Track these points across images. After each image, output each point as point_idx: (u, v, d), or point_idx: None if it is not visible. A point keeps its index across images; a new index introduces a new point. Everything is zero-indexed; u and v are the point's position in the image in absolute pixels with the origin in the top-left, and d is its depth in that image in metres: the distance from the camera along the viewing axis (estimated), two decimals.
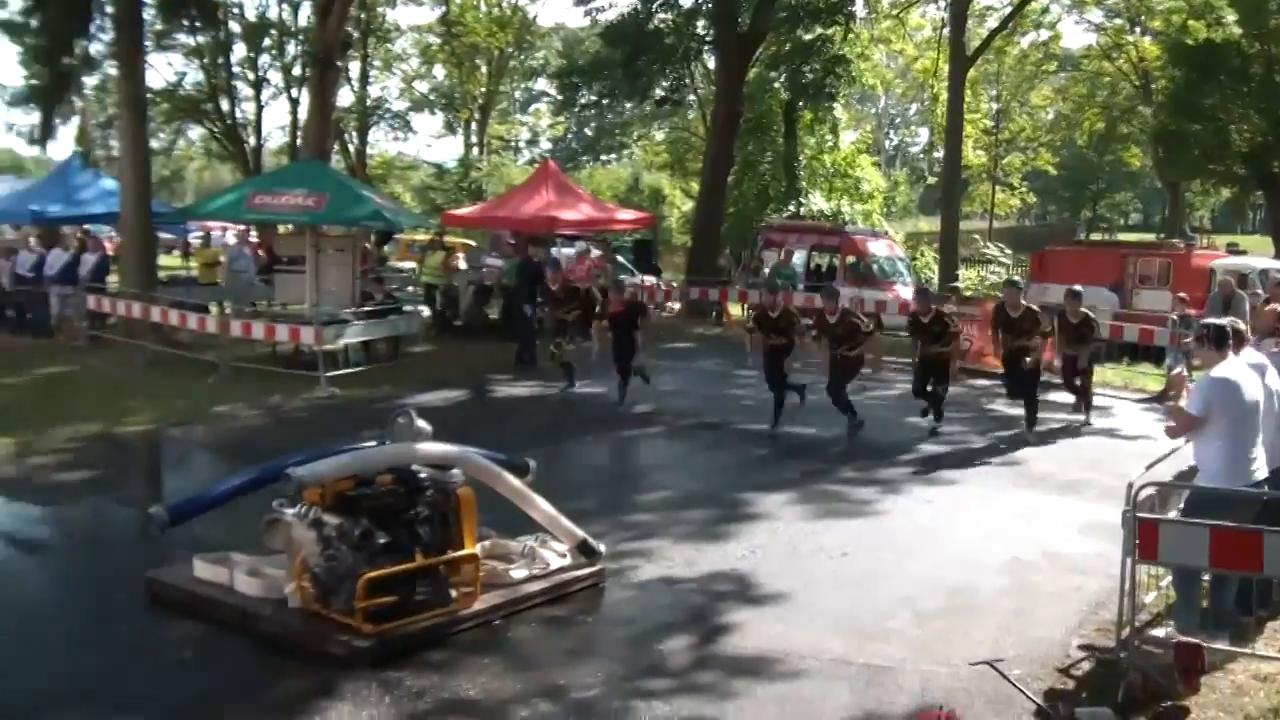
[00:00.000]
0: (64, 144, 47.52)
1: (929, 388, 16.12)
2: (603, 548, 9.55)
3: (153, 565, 9.38)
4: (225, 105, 47.63)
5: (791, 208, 42.27)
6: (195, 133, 54.50)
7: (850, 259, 29.82)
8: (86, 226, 28.07)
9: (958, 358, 16.72)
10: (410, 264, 33.43)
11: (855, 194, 46.12)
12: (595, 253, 27.92)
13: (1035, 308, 16.90)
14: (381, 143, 61.05)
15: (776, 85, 42.46)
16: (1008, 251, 45.68)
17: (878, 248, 30.89)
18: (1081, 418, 17.14)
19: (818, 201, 43.68)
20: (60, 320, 24.25)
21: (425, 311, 25.53)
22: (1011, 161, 60.43)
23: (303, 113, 38.07)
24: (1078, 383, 17.33)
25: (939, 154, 46.63)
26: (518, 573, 9.17)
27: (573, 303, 18.63)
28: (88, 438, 14.91)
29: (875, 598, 9.39)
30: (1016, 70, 56.80)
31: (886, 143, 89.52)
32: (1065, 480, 13.57)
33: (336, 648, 7.94)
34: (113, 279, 25.03)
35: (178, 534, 8.97)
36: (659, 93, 39.57)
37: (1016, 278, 26.67)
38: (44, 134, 37.59)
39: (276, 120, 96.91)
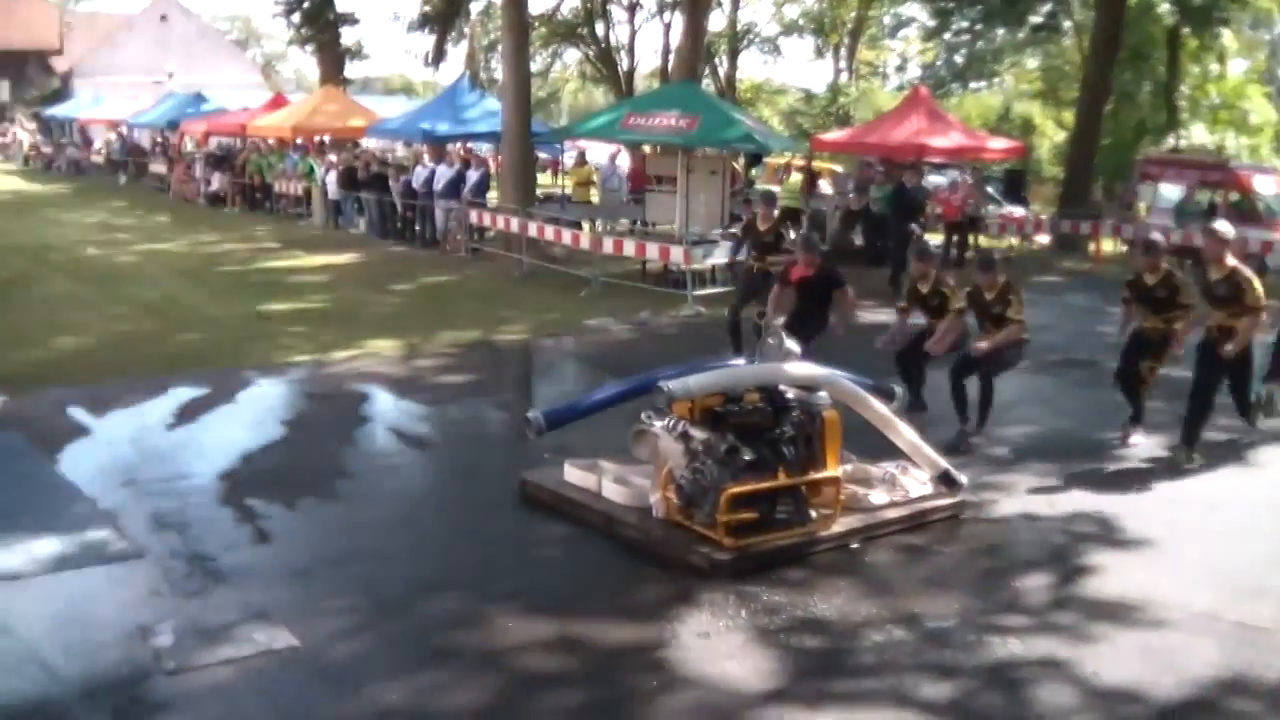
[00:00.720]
0: (452, 67, 49.80)
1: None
2: (964, 479, 9.38)
3: (524, 466, 9.88)
4: (600, 29, 48.72)
5: (1170, 140, 40.02)
6: (571, 56, 56.02)
7: (1234, 196, 28.00)
8: (470, 144, 29.43)
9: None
10: (776, 188, 33.51)
11: (1242, 127, 43.15)
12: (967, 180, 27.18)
13: None
14: (751, 67, 61.23)
15: (1160, 10, 40.09)
16: None
17: (1265, 184, 28.86)
18: None
19: (1199, 134, 41.16)
20: (445, 233, 25.57)
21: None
22: None
23: (675, 36, 38.43)
24: None
25: None
26: (877, 498, 9.17)
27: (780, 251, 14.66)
28: (467, 344, 15.81)
29: (1250, 552, 8.86)
30: None
31: None
32: None
33: (697, 558, 8.16)
34: (492, 195, 26.20)
35: (548, 438, 9.37)
36: (1035, 19, 38.00)
37: None
38: (436, 57, 39.64)
39: (649, 44, 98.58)
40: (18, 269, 21.93)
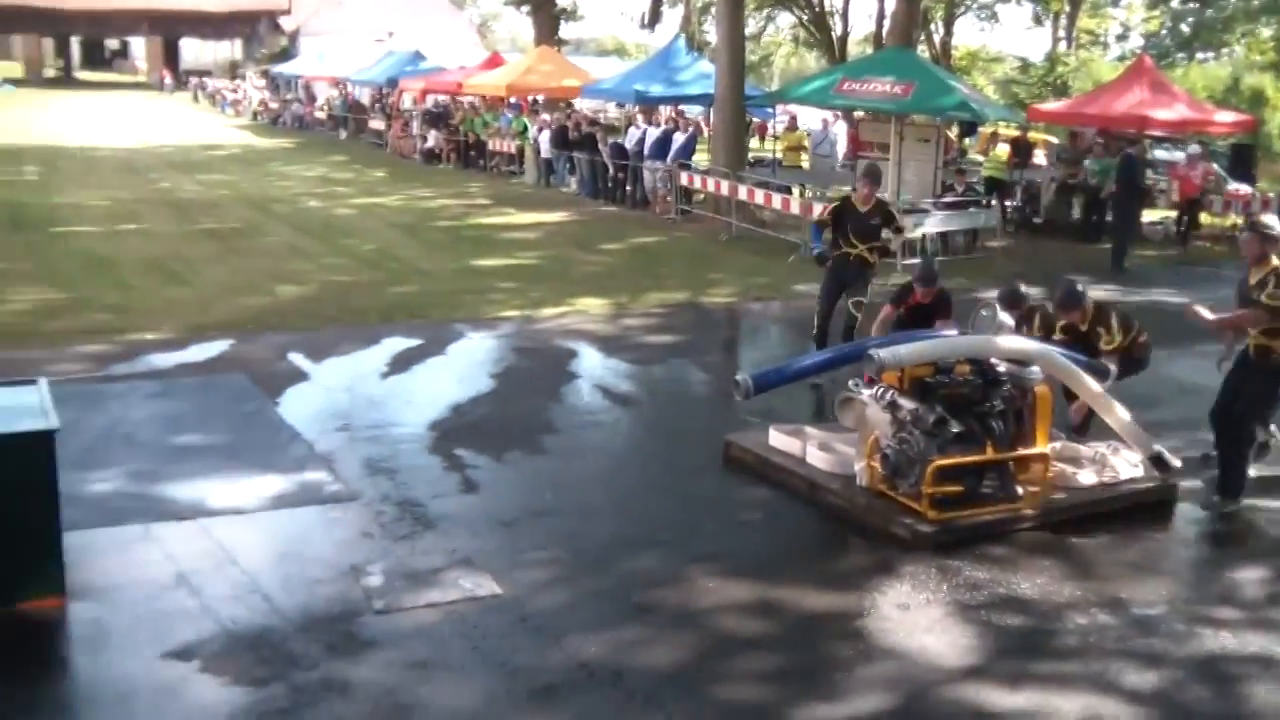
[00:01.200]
0: (666, 29, 49.91)
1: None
2: (1178, 463, 9.05)
3: (728, 429, 9.92)
4: None
5: None
6: (784, 19, 55.61)
7: None
8: (682, 107, 29.48)
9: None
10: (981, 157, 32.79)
11: None
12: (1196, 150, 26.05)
13: None
14: (966, 33, 59.91)
15: None
16: None
17: None
18: None
19: None
20: (654, 194, 25.72)
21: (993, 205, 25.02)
22: None
23: (890, 2, 37.86)
24: None
25: None
26: (1086, 478, 8.95)
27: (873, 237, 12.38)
28: (674, 305, 15.92)
29: None
30: None
31: None
32: None
33: (899, 529, 8.11)
34: (701, 157, 26.24)
35: (752, 401, 9.39)
36: None
37: None
38: (652, 19, 39.70)
39: (863, 9, 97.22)
40: (244, 219, 22.85)
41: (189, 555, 7.51)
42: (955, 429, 8.21)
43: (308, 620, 6.72)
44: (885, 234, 12.40)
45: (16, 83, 75.99)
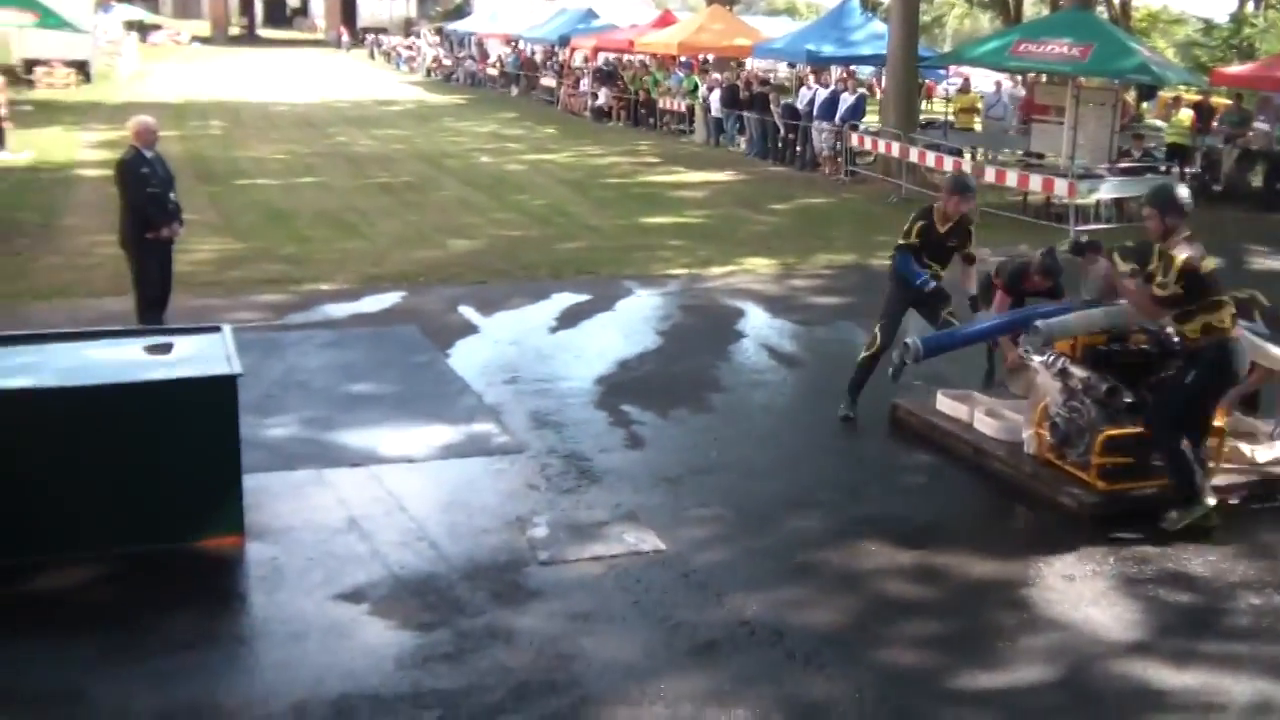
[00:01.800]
0: None
1: None
2: None
3: (892, 391, 9.83)
4: None
5: None
6: None
7: None
8: (852, 67, 29.13)
9: None
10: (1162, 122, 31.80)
11: None
12: None
13: None
14: None
15: None
16: None
17: None
18: None
19: None
20: (822, 155, 25.50)
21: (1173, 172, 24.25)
22: None
23: None
24: None
25: None
26: (1262, 455, 8.67)
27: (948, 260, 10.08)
28: (842, 266, 15.82)
29: None
30: None
31: None
32: None
33: (1066, 499, 7.97)
34: (870, 119, 25.91)
35: (919, 366, 9.31)
36: None
37: None
38: None
39: None
40: (418, 174, 23.29)
41: (360, 501, 7.73)
42: (1128, 399, 8.02)
43: (473, 568, 6.87)
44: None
45: (203, 40, 78.36)
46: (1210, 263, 7.66)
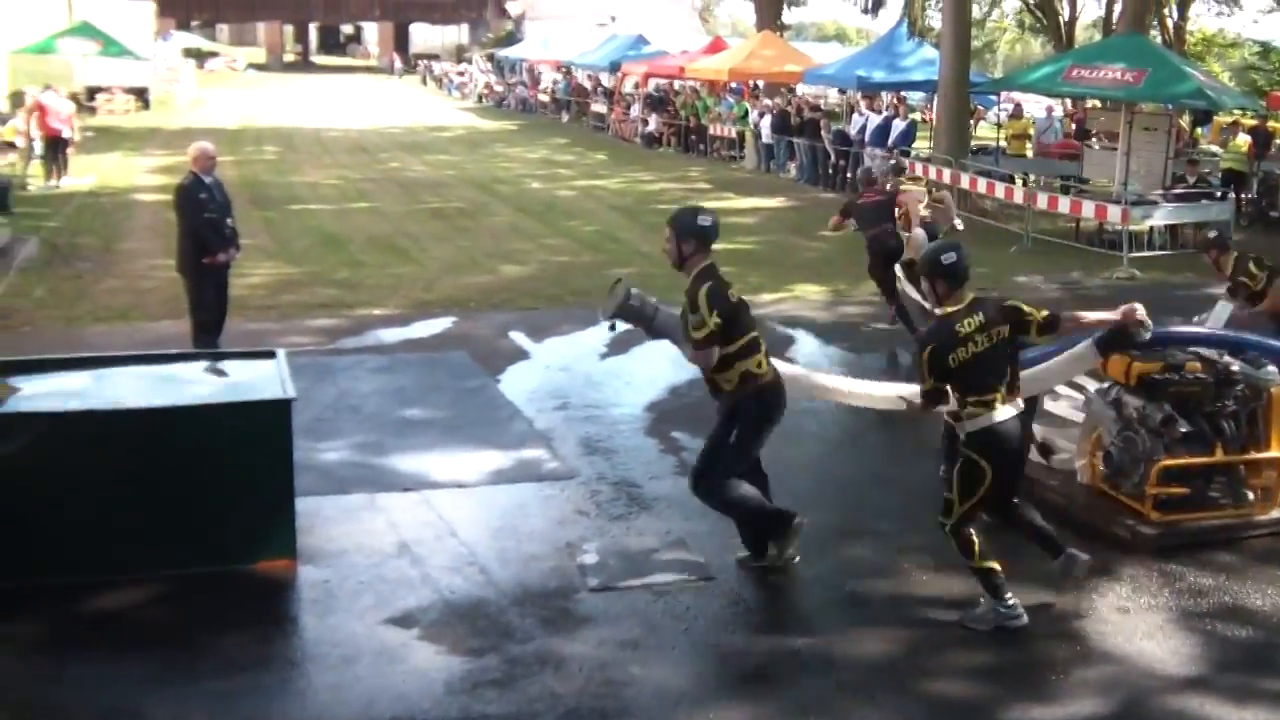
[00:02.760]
0: (888, 14, 49.11)
1: None
2: None
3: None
4: None
5: None
6: (1009, 4, 54.36)
7: None
8: (904, 93, 29.08)
9: None
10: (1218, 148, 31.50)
11: None
12: None
13: None
14: (1203, 17, 57.45)
15: None
16: None
17: None
18: None
19: None
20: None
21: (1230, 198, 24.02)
22: None
23: None
24: None
25: None
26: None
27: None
28: None
29: None
30: None
31: None
32: None
33: (1120, 529, 7.90)
34: (921, 144, 25.84)
35: None
36: None
37: None
38: (876, 4, 39.31)
39: None
40: (469, 199, 23.44)
41: (411, 525, 7.79)
42: (1183, 428, 7.95)
43: (523, 594, 6.89)
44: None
45: (259, 67, 79.26)
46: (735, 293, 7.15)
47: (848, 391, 8.54)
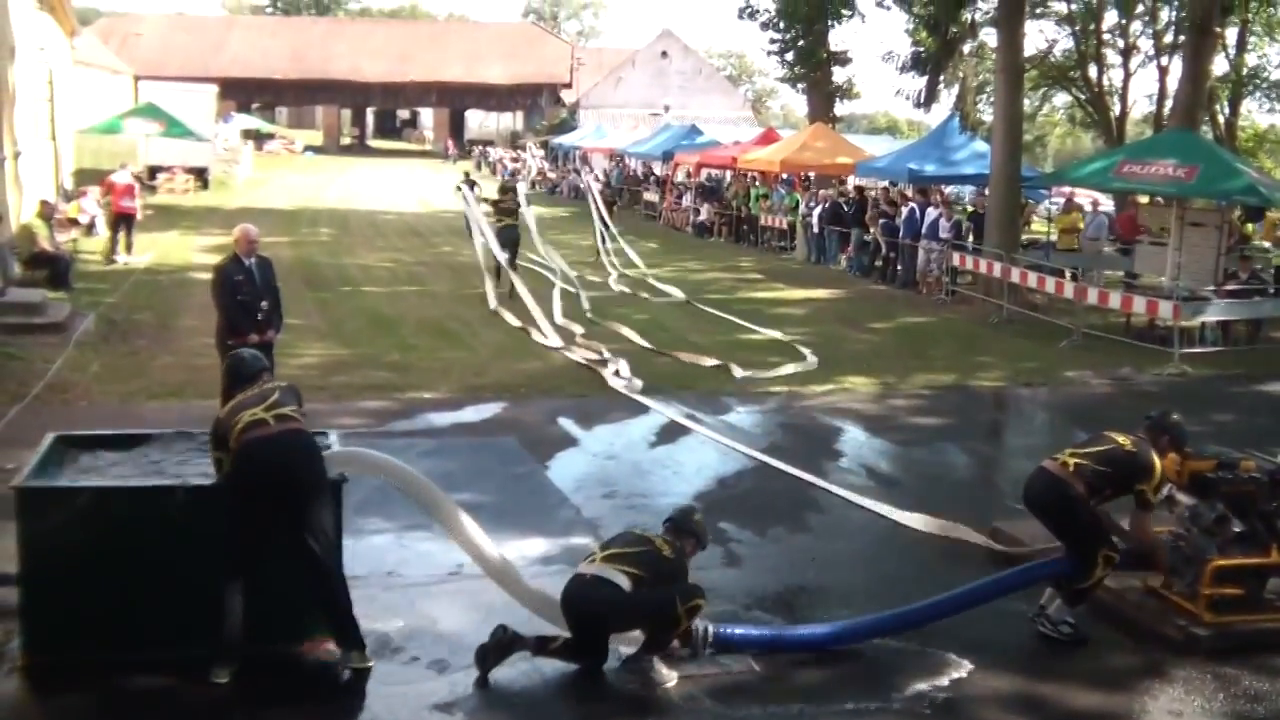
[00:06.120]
0: (939, 108, 49.31)
1: None
2: None
3: (993, 514, 9.84)
4: (1093, 72, 47.13)
5: None
6: (1060, 99, 54.48)
7: None
8: (947, 191, 29.13)
9: None
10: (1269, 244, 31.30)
11: None
12: None
13: None
14: (1254, 114, 57.39)
15: None
16: None
17: None
18: None
19: None
20: (923, 274, 25.46)
21: None
22: None
23: (1172, 81, 36.72)
24: None
25: None
26: None
27: None
28: (941, 387, 15.71)
29: None
30: None
31: None
32: None
33: (1172, 630, 7.80)
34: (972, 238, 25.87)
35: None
36: None
37: None
38: (928, 98, 39.59)
39: (1142, 88, 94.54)
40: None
41: (456, 610, 7.79)
42: (1237, 528, 7.87)
43: (563, 680, 6.90)
44: None
45: (316, 149, 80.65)
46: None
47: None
